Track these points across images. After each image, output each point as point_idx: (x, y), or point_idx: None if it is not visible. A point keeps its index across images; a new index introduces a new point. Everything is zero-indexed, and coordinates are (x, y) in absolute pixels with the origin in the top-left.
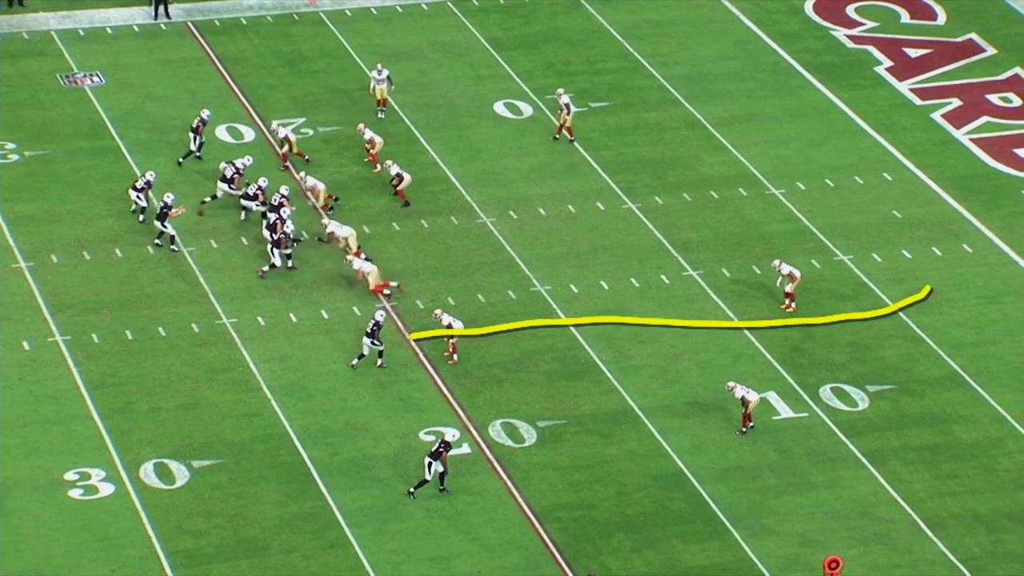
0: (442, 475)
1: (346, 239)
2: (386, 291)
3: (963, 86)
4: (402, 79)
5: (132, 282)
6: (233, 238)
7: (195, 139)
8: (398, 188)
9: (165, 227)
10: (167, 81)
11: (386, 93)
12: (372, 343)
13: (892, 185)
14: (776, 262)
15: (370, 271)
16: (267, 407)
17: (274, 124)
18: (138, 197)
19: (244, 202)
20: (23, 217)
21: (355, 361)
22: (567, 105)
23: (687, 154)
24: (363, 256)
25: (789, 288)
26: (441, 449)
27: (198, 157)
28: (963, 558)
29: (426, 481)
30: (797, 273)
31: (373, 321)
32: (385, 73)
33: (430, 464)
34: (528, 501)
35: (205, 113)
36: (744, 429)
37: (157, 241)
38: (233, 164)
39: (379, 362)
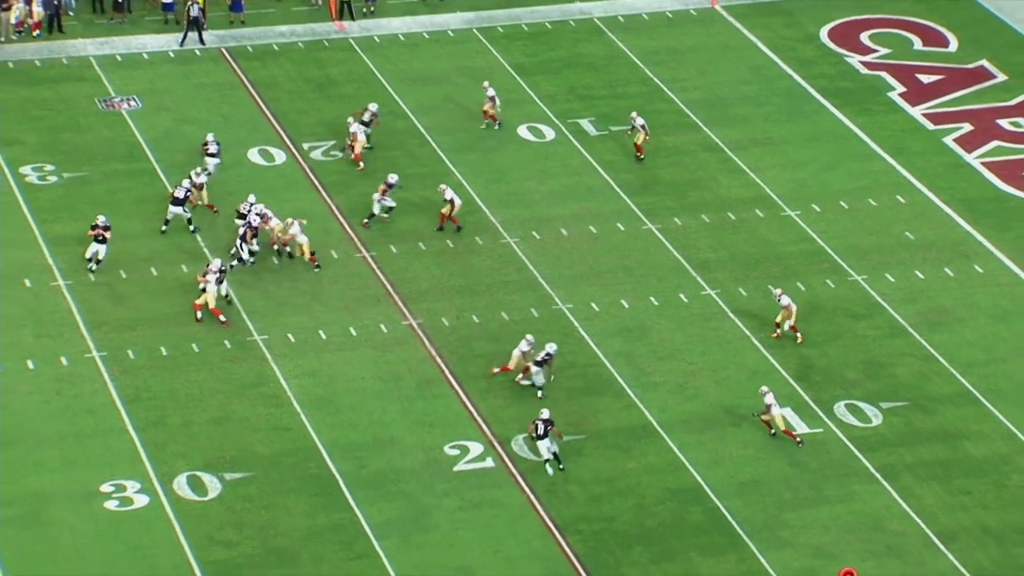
0: (551, 451)
1: (274, 230)
2: (221, 318)
3: (974, 111)
4: (429, 103)
5: (166, 300)
6: (263, 257)
7: (367, 131)
8: (450, 215)
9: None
10: (201, 105)
11: (489, 108)
12: (537, 373)
13: (905, 207)
14: (777, 292)
15: (211, 292)
16: (297, 421)
17: (196, 175)
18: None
19: (237, 220)
20: (62, 237)
21: (540, 393)
22: (644, 126)
23: (705, 176)
24: (216, 269)
25: (791, 322)
26: (548, 428)
27: (368, 148)
28: (974, 571)
29: (555, 455)
30: (793, 307)
31: (545, 352)
32: (491, 92)
33: (547, 447)
34: (550, 514)
35: (373, 106)
36: (773, 431)
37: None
38: (191, 179)
39: (539, 395)
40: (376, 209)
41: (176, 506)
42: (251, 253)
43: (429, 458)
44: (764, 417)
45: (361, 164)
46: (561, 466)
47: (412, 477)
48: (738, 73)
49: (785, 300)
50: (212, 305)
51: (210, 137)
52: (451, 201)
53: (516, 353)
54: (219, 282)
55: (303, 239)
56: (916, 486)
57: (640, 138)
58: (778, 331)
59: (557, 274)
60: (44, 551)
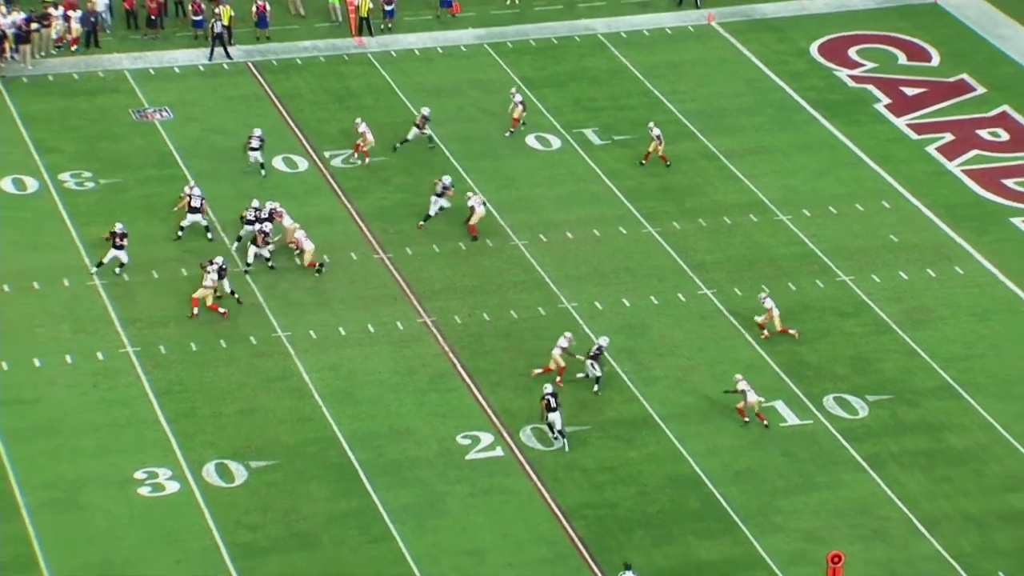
0: (556, 428)
1: (287, 228)
2: (195, 309)
3: (955, 122)
4: (442, 114)
5: None
6: (287, 258)
7: (420, 132)
8: (470, 222)
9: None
10: (228, 116)
11: (515, 114)
12: (592, 365)
13: (890, 212)
14: (762, 296)
15: (209, 285)
16: (318, 413)
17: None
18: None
19: (247, 227)
20: (98, 239)
21: (596, 388)
22: (659, 136)
23: (702, 183)
24: (219, 266)
25: (778, 324)
26: (557, 400)
27: (430, 147)
28: (955, 554)
29: (561, 433)
30: (775, 312)
31: (596, 346)
32: (518, 98)
33: (551, 424)
34: (556, 500)
35: (426, 110)
36: (747, 420)
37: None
38: (192, 193)
39: (595, 388)
40: (432, 210)
41: (205, 492)
42: (266, 258)
43: (442, 448)
44: (739, 405)
45: (367, 159)
46: (566, 447)
47: (426, 465)
48: (733, 86)
49: (768, 303)
50: (197, 295)
51: (256, 132)
52: (472, 208)
53: (555, 352)
54: (221, 277)
55: (309, 245)
56: (901, 474)
57: (652, 146)
58: (765, 331)
59: (563, 275)
60: (80, 534)
